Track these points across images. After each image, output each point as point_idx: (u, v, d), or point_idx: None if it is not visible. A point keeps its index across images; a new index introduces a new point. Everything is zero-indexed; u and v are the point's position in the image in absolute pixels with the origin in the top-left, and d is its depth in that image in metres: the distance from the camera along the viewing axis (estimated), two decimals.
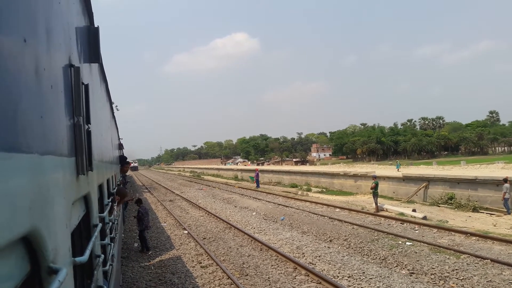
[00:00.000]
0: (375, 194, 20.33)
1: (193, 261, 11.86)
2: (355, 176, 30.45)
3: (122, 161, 12.99)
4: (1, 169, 0.94)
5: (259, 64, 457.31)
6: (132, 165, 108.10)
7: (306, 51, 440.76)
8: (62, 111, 1.79)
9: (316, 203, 23.14)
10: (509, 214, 17.81)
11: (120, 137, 18.75)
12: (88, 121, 2.52)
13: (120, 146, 18.10)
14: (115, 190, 6.91)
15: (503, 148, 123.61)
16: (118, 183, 11.47)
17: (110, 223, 4.33)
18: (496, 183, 19.04)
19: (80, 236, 2.41)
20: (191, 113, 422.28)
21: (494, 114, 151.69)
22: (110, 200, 4.73)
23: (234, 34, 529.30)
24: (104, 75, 5.51)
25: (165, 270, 11.10)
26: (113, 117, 10.52)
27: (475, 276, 9.04)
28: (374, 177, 21.97)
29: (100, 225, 2.90)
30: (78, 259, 1.83)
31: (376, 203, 20.11)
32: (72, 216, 1.96)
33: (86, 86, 2.47)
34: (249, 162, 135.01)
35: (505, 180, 18.12)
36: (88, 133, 2.50)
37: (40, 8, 1.43)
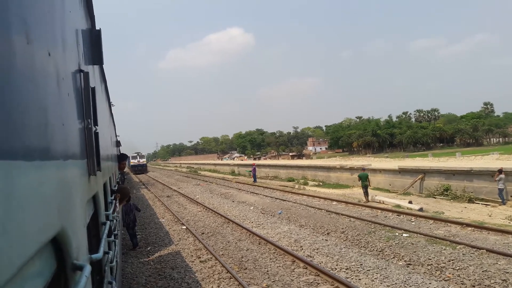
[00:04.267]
0: (364, 186, 21.19)
1: (192, 256, 11.93)
2: (351, 169, 30.61)
3: (120, 158, 13.00)
4: (38, 177, 1.01)
5: (254, 59, 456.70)
6: (136, 162, 68.51)
7: (301, 46, 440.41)
8: (77, 116, 1.86)
9: (313, 196, 23.26)
10: (504, 204, 18.02)
11: (117, 134, 18.76)
12: (95, 123, 2.58)
13: (118, 144, 18.10)
14: (115, 188, 6.98)
15: (497, 139, 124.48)
16: (118, 180, 11.51)
17: (114, 221, 4.40)
18: (491, 174, 19.22)
19: (89, 234, 2.48)
20: (187, 109, 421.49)
21: (488, 106, 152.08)
22: (113, 198, 4.80)
23: (229, 29, 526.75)
24: (103, 74, 5.56)
25: (165, 265, 11.17)
26: (111, 114, 10.56)
27: (471, 266, 9.17)
28: (363, 169, 22.75)
29: (108, 223, 2.96)
30: (94, 256, 1.90)
31: (364, 194, 21.17)
32: (86, 215, 2.03)
33: (93, 89, 2.53)
34: (246, 157, 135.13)
35: (500, 171, 18.32)
36: (96, 134, 2.56)
37: (58, 20, 1.49)
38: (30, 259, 0.88)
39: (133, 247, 13.41)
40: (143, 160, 72.37)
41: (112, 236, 4.01)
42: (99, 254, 1.98)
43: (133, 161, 68.73)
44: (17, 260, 0.80)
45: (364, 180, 21.28)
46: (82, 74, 2.15)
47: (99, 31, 3.17)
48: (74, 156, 1.63)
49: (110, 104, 9.46)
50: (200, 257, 11.65)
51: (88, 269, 1.32)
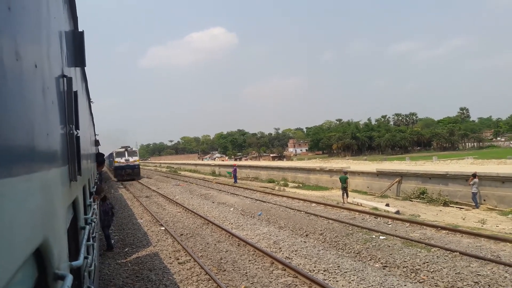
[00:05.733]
0: (343, 188, 21.83)
1: (170, 257, 11.85)
2: (331, 171, 30.91)
3: (98, 157, 12.81)
4: (25, 191, 1.00)
5: (238, 59, 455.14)
6: (122, 162, 46.01)
7: (284, 47, 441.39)
8: (59, 123, 1.84)
9: (293, 198, 23.39)
10: (477, 208, 18.54)
11: (96, 133, 18.42)
12: (77, 127, 2.55)
13: (97, 143, 17.75)
14: (94, 189, 6.88)
15: (472, 144, 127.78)
16: (96, 181, 11.33)
17: (93, 223, 4.34)
18: (465, 179, 19.73)
19: (68, 239, 2.45)
20: (168, 108, 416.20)
21: (464, 111, 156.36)
22: (91, 200, 4.74)
23: (212, 29, 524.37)
24: (84, 74, 5.48)
25: (142, 267, 11.06)
26: (91, 114, 10.40)
27: (444, 268, 9.40)
28: (345, 172, 23.23)
29: (87, 227, 2.93)
30: (74, 263, 1.87)
31: (342, 195, 21.72)
32: (66, 221, 2.01)
33: (75, 93, 2.50)
34: (227, 158, 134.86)
35: (474, 176, 18.83)
36: (77, 139, 2.53)
37: (44, 31, 1.48)
38: (14, 274, 0.88)
39: (110, 248, 13.18)
40: (134, 159, 46.84)
41: (91, 239, 3.96)
42: (79, 261, 1.96)
43: (118, 160, 46.05)
44: (3, 276, 0.80)
45: (343, 182, 21.78)
46: (65, 79, 2.13)
47: (82, 33, 3.13)
48: (57, 164, 1.62)
49: (90, 103, 9.33)
50: (178, 259, 11.58)
51: (69, 279, 1.32)
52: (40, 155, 1.26)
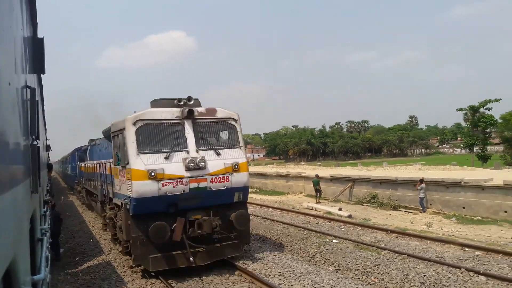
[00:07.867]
0: (316, 190, 24.43)
1: (124, 266, 11.52)
2: (287, 177, 31.42)
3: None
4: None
5: (198, 63, 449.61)
6: (164, 178, 8.40)
7: (243, 55, 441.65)
8: (23, 135, 1.78)
9: (250, 203, 23.46)
10: (424, 211, 19.54)
11: (47, 138, 17.60)
12: (38, 137, 2.47)
13: (48, 148, 16.91)
14: (48, 198, 6.61)
15: (420, 150, 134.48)
16: (48, 188, 10.83)
17: (47, 233, 4.18)
18: (413, 184, 20.74)
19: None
20: (125, 113, 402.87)
21: (413, 119, 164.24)
22: (45, 209, 4.56)
23: (171, 32, 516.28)
24: (40, 79, 5.27)
25: (94, 276, 10.68)
26: (44, 119, 9.94)
27: (393, 270, 9.83)
28: (317, 176, 25.57)
29: (45, 238, 2.83)
30: (36, 277, 1.80)
31: (315, 196, 24.64)
32: (28, 235, 1.95)
33: (37, 103, 2.42)
34: None
35: (421, 181, 19.85)
36: (38, 149, 2.45)
37: (12, 44, 1.45)
38: None
39: (57, 258, 12.52)
40: (231, 161, 9.73)
41: (47, 250, 3.82)
42: (41, 275, 1.89)
43: (151, 169, 8.60)
44: None
45: (315, 185, 24.34)
46: (29, 90, 2.07)
47: (42, 39, 3.02)
48: (22, 178, 1.58)
49: (43, 106, 8.92)
50: (132, 267, 11.28)
51: None
52: (11, 173, 1.23)
